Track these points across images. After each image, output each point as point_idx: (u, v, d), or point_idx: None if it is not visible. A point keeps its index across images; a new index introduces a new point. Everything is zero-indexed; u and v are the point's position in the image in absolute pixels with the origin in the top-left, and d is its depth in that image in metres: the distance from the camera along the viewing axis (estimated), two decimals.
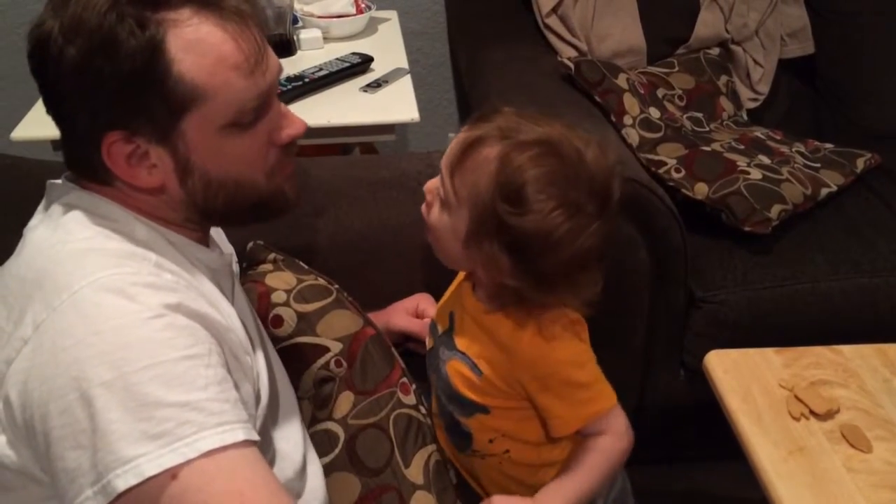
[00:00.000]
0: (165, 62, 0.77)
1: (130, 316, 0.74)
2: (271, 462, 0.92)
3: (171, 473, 0.69)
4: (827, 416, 1.06)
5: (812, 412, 1.07)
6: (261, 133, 0.85)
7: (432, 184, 0.98)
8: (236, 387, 0.80)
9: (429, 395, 1.15)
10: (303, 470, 0.98)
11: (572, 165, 0.89)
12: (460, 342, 1.03)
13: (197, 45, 0.78)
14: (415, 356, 1.25)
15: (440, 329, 1.08)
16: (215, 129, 0.81)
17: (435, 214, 0.97)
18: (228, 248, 1.08)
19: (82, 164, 0.84)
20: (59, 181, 0.88)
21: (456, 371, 1.03)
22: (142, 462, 0.69)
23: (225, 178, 0.85)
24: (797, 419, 1.06)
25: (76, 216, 0.82)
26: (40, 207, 0.88)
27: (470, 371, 1.01)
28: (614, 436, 0.99)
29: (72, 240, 0.80)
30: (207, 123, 0.81)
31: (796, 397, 1.09)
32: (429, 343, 1.11)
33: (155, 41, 0.76)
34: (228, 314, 0.88)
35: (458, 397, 1.03)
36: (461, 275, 1.09)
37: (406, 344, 1.28)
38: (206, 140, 0.81)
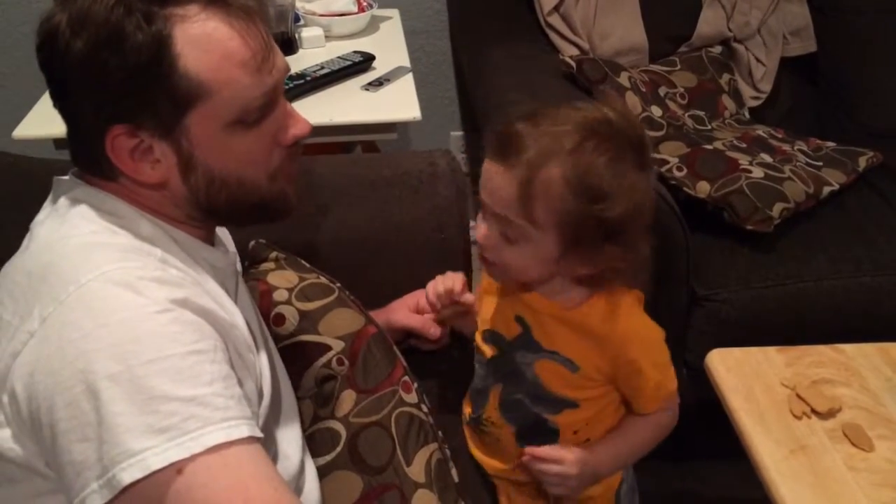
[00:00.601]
0: (171, 57, 0.77)
1: (137, 309, 0.74)
2: (273, 460, 0.92)
3: (177, 468, 0.69)
4: (829, 414, 1.06)
5: (814, 411, 1.07)
6: (266, 132, 0.85)
7: (486, 235, 0.96)
8: (240, 383, 0.80)
9: (430, 394, 1.15)
10: (301, 471, 0.99)
11: (614, 134, 0.91)
12: (547, 342, 1.02)
13: (203, 41, 0.78)
14: (416, 354, 1.26)
15: (507, 335, 1.06)
16: (220, 126, 0.81)
17: (509, 254, 0.96)
18: (232, 248, 1.08)
19: (87, 159, 0.84)
20: (65, 177, 0.88)
21: (548, 370, 1.02)
22: (148, 455, 0.69)
23: (228, 176, 0.85)
24: (799, 418, 1.06)
25: (82, 211, 0.83)
26: (47, 202, 0.88)
27: (564, 368, 1.01)
28: (671, 414, 1.06)
29: (78, 234, 0.80)
30: (212, 120, 0.81)
31: (798, 396, 1.09)
32: (490, 351, 1.09)
33: (162, 36, 0.76)
34: (232, 312, 0.88)
35: (549, 396, 1.04)
36: (492, 285, 1.08)
37: (408, 341, 1.28)
38: (210, 136, 0.81)
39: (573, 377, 1.01)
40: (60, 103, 0.82)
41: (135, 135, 0.80)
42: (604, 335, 0.98)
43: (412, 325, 1.25)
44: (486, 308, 1.10)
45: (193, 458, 0.70)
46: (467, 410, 1.17)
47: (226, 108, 0.80)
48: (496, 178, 0.92)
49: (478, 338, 1.12)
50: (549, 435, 1.06)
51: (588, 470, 1.03)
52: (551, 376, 1.03)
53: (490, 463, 1.14)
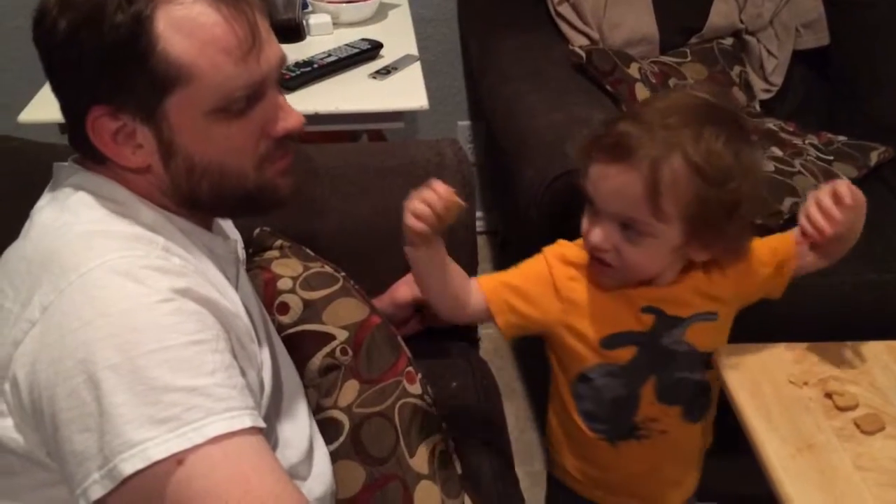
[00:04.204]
0: (150, 38, 0.76)
1: (139, 299, 0.73)
2: (274, 448, 0.92)
3: (178, 459, 0.69)
4: (846, 409, 1.05)
5: (837, 406, 1.05)
6: (254, 122, 0.83)
7: (605, 239, 0.96)
8: (242, 373, 0.79)
9: (433, 384, 1.14)
10: (308, 456, 0.98)
11: (721, 116, 0.93)
12: (686, 310, 1.04)
13: (187, 25, 0.77)
14: (419, 345, 1.25)
15: (642, 328, 1.04)
16: (201, 113, 0.80)
17: (631, 254, 0.96)
18: (235, 235, 1.08)
19: (76, 142, 0.83)
20: (65, 163, 0.87)
21: (698, 331, 1.06)
22: (149, 446, 0.69)
23: (209, 164, 0.83)
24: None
25: (83, 198, 0.82)
26: (48, 188, 0.87)
27: (707, 322, 1.06)
28: None
29: (79, 222, 0.80)
30: (192, 106, 0.79)
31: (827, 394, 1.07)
32: (627, 354, 1.06)
33: (141, 16, 0.75)
34: (234, 300, 0.87)
35: (702, 357, 1.08)
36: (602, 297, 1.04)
37: (415, 317, 1.27)
38: (190, 123, 0.80)
39: (716, 324, 1.07)
40: (51, 83, 0.82)
41: (117, 117, 0.79)
42: (743, 272, 1.07)
43: (419, 296, 1.24)
44: (590, 320, 1.04)
45: (194, 448, 0.69)
46: (590, 434, 1.11)
47: (207, 95, 0.79)
48: (616, 181, 0.92)
49: (591, 355, 1.06)
50: (706, 393, 1.12)
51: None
52: (701, 335, 1.06)
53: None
